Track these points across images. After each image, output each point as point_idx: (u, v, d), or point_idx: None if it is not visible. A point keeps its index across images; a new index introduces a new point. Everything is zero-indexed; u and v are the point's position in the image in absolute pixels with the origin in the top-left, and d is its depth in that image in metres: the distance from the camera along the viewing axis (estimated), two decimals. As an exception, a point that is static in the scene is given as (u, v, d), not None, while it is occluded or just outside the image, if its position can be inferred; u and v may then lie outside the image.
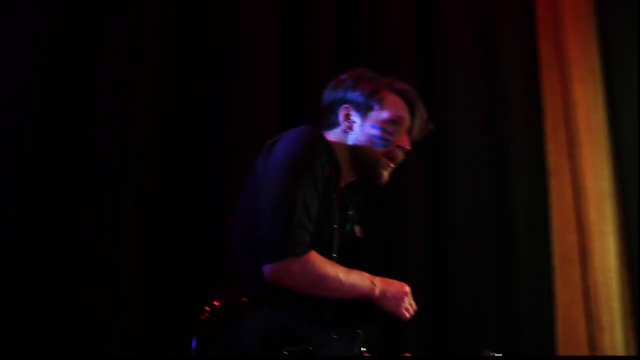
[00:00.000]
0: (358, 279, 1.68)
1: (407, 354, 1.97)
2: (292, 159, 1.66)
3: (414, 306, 1.76)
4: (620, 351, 2.96)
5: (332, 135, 1.86)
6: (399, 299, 1.73)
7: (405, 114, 1.85)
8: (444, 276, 2.77)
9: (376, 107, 1.82)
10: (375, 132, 1.81)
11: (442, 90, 2.95)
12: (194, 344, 1.49)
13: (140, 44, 2.33)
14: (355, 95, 1.84)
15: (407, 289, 1.75)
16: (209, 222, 2.31)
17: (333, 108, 1.88)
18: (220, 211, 2.17)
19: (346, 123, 1.84)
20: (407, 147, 1.84)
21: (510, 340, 2.81)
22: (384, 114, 1.83)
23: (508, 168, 3.03)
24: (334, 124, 1.87)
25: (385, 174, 1.84)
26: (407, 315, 1.74)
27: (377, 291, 1.70)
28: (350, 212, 1.90)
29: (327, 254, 1.70)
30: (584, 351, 2.96)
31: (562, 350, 2.92)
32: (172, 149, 2.36)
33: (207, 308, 1.53)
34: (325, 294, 1.64)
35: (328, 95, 1.91)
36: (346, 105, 1.84)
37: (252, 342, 1.52)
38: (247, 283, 1.63)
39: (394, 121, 1.82)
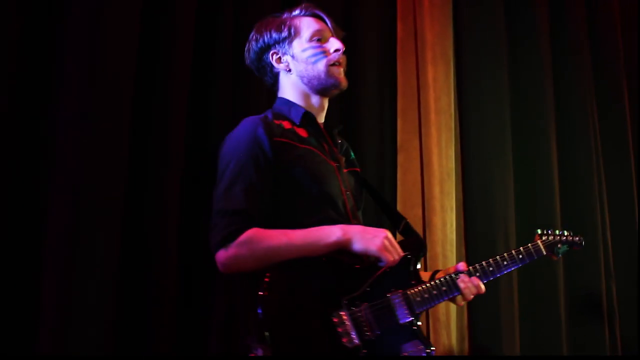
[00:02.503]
0: (317, 233, 1.69)
1: None
2: (221, 161, 1.80)
3: (399, 250, 1.74)
4: (453, 318, 3.17)
5: (282, 89, 1.94)
6: (376, 237, 1.72)
7: (318, 25, 1.94)
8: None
9: (292, 35, 1.90)
10: (307, 53, 1.89)
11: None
12: (259, 311, 1.51)
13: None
14: (269, 39, 1.91)
15: (386, 232, 1.74)
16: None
17: (262, 64, 1.95)
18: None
19: (281, 65, 1.92)
20: (341, 47, 1.92)
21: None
22: (304, 36, 1.91)
23: (360, 142, 3.12)
24: (274, 76, 1.95)
25: (341, 77, 1.93)
26: (390, 256, 1.71)
27: (345, 235, 1.70)
28: (340, 141, 2.01)
29: (333, 193, 1.79)
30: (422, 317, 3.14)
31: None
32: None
33: (266, 280, 1.56)
34: (282, 259, 1.64)
35: (250, 59, 1.98)
36: (271, 52, 1.92)
37: (314, 297, 1.58)
38: None
39: (315, 37, 1.91)
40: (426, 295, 1.74)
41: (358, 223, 1.87)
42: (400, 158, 3.24)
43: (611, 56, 3.95)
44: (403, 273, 1.74)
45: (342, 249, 1.71)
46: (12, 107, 2.07)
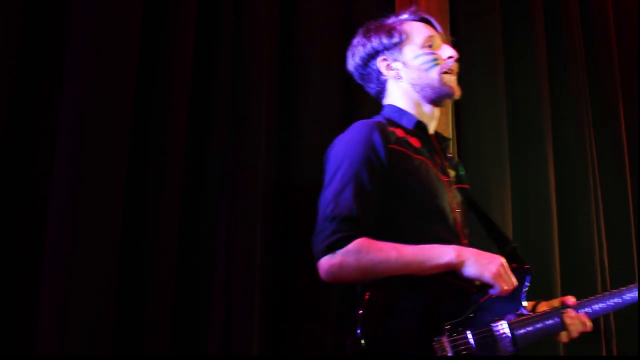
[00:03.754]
0: (430, 252, 1.61)
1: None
2: (331, 163, 1.73)
3: (514, 279, 1.65)
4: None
5: (391, 97, 1.86)
6: (491, 264, 1.63)
7: (429, 31, 1.88)
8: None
9: (404, 41, 1.84)
10: (420, 60, 1.83)
11: (296, 92, 2.87)
12: (358, 332, 1.46)
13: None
14: (379, 44, 1.85)
15: (502, 259, 1.67)
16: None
17: (368, 71, 1.88)
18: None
19: (392, 72, 1.86)
20: (455, 54, 1.86)
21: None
22: (415, 42, 1.85)
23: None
24: (381, 84, 1.87)
25: (454, 85, 1.88)
26: (504, 285, 1.63)
27: (459, 257, 1.62)
28: (450, 155, 1.94)
29: (446, 210, 1.71)
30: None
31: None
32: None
33: (366, 298, 1.50)
34: (388, 274, 1.58)
35: (354, 65, 1.89)
36: (380, 58, 1.86)
37: (415, 320, 1.50)
38: None
39: (427, 44, 1.85)
40: (530, 328, 1.66)
41: (468, 244, 1.79)
42: (399, 179, 3.20)
43: (607, 73, 3.95)
44: (510, 302, 1.66)
45: (452, 271, 1.64)
46: (12, 106, 2.06)
